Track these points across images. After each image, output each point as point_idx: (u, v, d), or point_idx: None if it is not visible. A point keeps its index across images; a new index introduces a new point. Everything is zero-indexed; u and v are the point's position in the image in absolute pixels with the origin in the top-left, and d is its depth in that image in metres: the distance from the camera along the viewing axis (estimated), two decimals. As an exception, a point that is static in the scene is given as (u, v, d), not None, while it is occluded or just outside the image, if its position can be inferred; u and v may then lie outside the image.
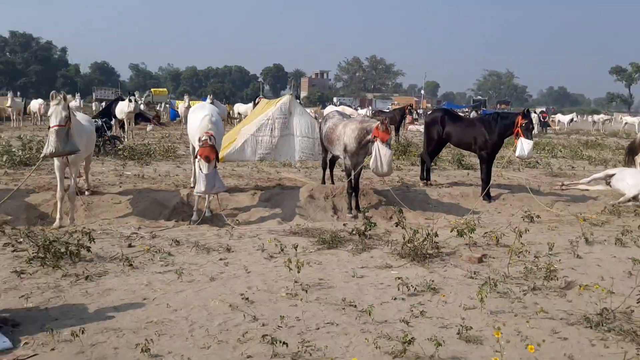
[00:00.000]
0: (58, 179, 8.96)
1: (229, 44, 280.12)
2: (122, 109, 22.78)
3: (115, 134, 22.55)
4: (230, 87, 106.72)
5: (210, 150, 8.87)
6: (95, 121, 18.32)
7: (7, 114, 32.49)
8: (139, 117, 33.41)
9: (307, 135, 17.48)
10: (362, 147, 10.03)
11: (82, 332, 4.50)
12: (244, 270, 6.52)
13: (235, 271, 6.48)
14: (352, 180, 10.20)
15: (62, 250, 6.61)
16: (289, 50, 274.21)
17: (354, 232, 8.18)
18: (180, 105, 34.39)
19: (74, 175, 9.11)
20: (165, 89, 78.36)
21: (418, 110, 51.77)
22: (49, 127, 8.40)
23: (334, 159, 11.96)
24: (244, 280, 6.17)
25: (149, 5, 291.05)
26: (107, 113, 26.73)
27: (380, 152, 9.37)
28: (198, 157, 8.95)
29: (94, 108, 40.36)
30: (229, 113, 36.97)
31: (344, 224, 8.71)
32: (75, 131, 8.74)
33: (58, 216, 8.87)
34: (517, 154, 11.33)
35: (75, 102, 32.33)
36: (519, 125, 11.19)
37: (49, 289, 5.66)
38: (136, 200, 10.18)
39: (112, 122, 21.58)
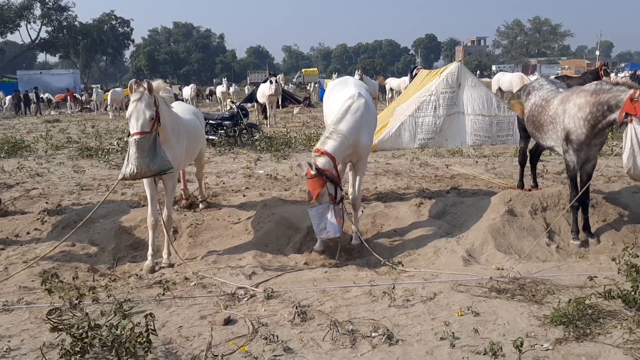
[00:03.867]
0: (149, 198, 6.35)
1: (378, 18, 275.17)
2: (264, 91, 20.52)
3: (257, 121, 20.55)
4: (381, 61, 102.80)
5: (314, 184, 5.85)
6: (230, 108, 16.29)
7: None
8: (286, 99, 31.56)
9: (482, 113, 13.62)
10: (598, 133, 6.19)
11: None
12: (421, 406, 3.26)
13: (406, 411, 3.24)
14: (579, 187, 6.44)
15: (111, 341, 3.89)
16: (441, 18, 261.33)
17: (613, 295, 4.53)
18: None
19: (168, 194, 6.48)
20: (315, 69, 77.74)
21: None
22: (129, 135, 5.74)
23: (540, 150, 8.15)
24: None
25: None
26: (251, 98, 25.06)
27: (640, 140, 5.53)
28: None
29: (246, 92, 39.44)
30: (382, 87, 33.34)
31: (590, 277, 4.92)
32: (170, 134, 6.07)
33: (150, 253, 6.27)
34: None
35: (222, 87, 31.22)
36: None
37: None
38: (259, 219, 7.41)
39: (250, 107, 19.49)
